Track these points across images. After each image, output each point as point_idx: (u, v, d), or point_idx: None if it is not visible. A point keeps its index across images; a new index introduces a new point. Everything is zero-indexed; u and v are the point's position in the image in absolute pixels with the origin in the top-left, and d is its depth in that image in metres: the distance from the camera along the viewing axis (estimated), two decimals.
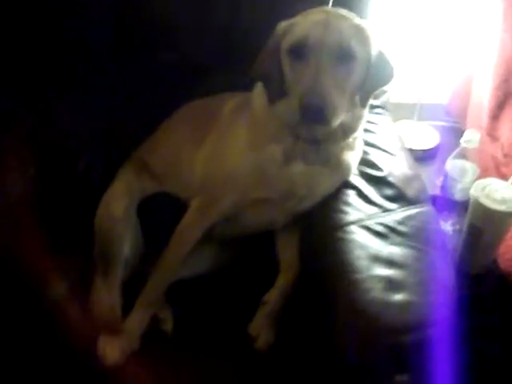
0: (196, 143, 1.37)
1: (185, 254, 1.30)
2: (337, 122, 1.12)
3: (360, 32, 1.15)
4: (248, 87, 1.36)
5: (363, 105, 1.20)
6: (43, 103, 1.49)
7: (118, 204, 1.33)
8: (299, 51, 1.12)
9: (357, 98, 1.18)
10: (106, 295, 1.29)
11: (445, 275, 1.15)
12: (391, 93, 1.69)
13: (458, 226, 1.55)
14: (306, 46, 1.11)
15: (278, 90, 1.19)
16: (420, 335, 1.03)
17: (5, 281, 1.23)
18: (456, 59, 1.83)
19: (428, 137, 1.95)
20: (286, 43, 1.16)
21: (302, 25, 1.15)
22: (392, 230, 1.20)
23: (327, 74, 1.09)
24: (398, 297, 1.06)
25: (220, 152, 1.31)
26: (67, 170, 1.50)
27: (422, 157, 1.86)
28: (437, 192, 1.64)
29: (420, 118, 1.95)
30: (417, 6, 1.71)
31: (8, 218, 1.28)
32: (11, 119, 1.43)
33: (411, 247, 1.17)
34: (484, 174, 1.54)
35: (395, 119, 1.68)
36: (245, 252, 1.43)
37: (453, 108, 1.98)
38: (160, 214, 1.38)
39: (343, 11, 1.18)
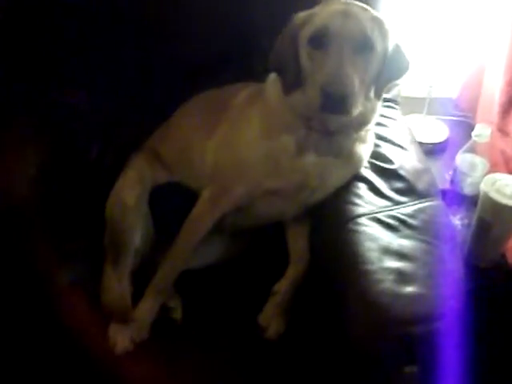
0: (207, 133, 1.37)
1: (195, 243, 1.30)
2: (356, 112, 1.12)
3: (378, 24, 1.16)
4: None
5: (377, 97, 1.21)
6: (52, 92, 1.51)
7: (130, 193, 1.33)
8: (320, 40, 1.12)
9: (371, 90, 1.18)
10: (116, 284, 1.30)
11: (454, 268, 1.16)
12: (402, 86, 1.69)
13: (466, 220, 1.55)
14: (327, 34, 1.11)
15: (293, 81, 1.19)
16: (430, 327, 1.04)
17: (12, 271, 1.23)
18: (467, 53, 1.83)
19: (437, 131, 1.95)
20: (305, 32, 1.16)
21: (322, 14, 1.15)
22: (402, 222, 1.21)
23: (348, 62, 1.09)
24: (409, 289, 1.07)
25: (232, 141, 1.31)
26: (79, 158, 1.51)
27: (431, 150, 1.86)
28: (446, 186, 1.64)
29: (429, 112, 1.95)
30: None
31: (14, 210, 1.28)
32: (12, 118, 1.44)
33: (421, 240, 1.17)
34: (493, 168, 1.54)
35: (405, 113, 1.68)
36: (255, 242, 1.44)
37: (462, 101, 1.98)
38: (171, 203, 1.38)
39: (360, 4, 1.19)
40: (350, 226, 1.21)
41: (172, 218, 1.34)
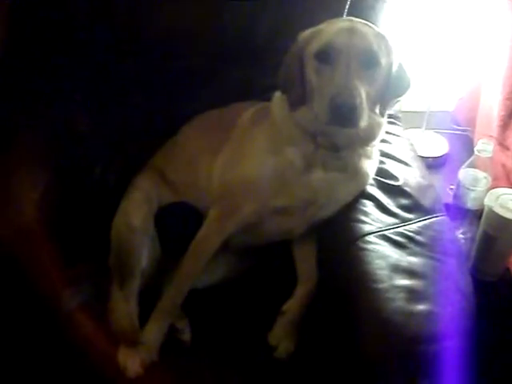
0: (213, 152, 1.36)
1: (203, 264, 1.29)
2: (363, 124, 1.12)
3: (383, 41, 1.17)
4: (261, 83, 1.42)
5: (382, 113, 1.22)
6: (59, 114, 1.50)
7: (137, 213, 1.33)
8: (327, 55, 1.14)
9: (377, 106, 1.20)
10: (124, 306, 1.28)
11: (463, 285, 1.16)
12: (402, 102, 1.70)
13: (469, 234, 1.56)
14: (334, 49, 1.12)
15: (300, 97, 1.20)
16: (442, 345, 1.04)
17: (19, 293, 1.22)
18: (464, 68, 1.85)
19: (437, 145, 1.96)
20: (311, 48, 1.17)
21: (328, 30, 1.17)
22: (410, 239, 1.22)
23: (355, 76, 1.10)
24: (420, 307, 1.07)
25: (238, 159, 1.30)
26: (82, 178, 1.50)
27: (431, 164, 1.87)
28: (448, 200, 1.65)
29: (428, 126, 1.96)
30: (426, 13, 1.73)
31: (21, 235, 1.27)
32: (16, 139, 1.43)
33: (430, 257, 1.18)
34: (494, 182, 1.55)
35: (404, 127, 1.69)
36: (261, 260, 1.44)
37: (460, 115, 1.99)
38: (177, 223, 1.38)
39: (364, 21, 1.20)
40: (359, 244, 1.21)
41: (179, 237, 1.33)
